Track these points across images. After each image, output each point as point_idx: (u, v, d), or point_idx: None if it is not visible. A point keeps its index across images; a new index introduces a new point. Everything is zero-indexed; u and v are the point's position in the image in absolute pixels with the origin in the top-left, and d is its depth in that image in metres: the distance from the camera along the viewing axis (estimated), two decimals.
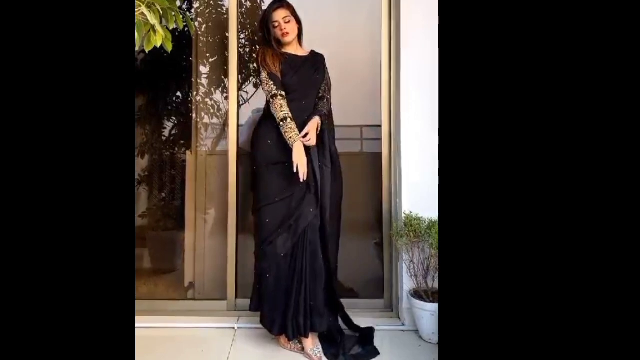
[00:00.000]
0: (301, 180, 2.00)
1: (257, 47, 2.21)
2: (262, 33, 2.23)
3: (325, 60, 2.29)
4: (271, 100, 2.09)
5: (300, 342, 2.13)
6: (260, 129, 2.20)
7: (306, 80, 2.17)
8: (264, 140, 2.15)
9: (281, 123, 2.05)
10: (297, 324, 2.04)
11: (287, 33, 2.16)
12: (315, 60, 2.25)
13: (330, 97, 2.24)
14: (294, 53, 2.22)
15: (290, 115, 2.06)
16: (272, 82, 2.10)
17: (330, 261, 2.12)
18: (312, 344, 2.09)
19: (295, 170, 1.98)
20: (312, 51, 2.30)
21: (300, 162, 2.00)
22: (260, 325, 2.18)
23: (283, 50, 2.20)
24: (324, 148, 2.13)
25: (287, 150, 2.05)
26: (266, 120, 2.18)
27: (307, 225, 2.07)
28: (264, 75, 2.12)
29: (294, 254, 2.07)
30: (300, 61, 2.20)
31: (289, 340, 2.11)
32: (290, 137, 2.02)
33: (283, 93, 2.09)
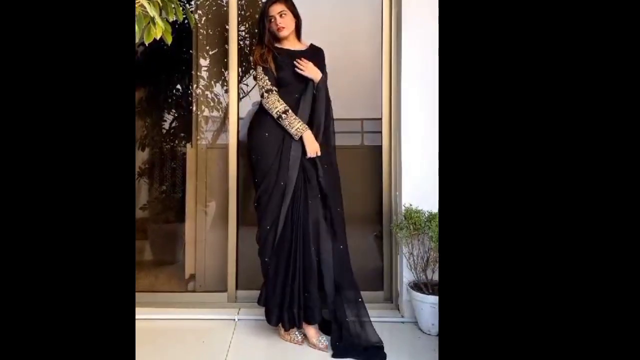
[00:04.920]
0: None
1: (255, 40, 2.21)
2: (258, 29, 2.23)
3: (325, 55, 2.28)
4: (265, 94, 2.12)
5: (302, 334, 2.15)
6: (256, 122, 2.21)
7: (302, 74, 2.15)
8: (261, 132, 2.16)
9: (283, 116, 2.08)
10: (292, 314, 2.07)
11: (283, 27, 2.16)
12: (315, 54, 2.24)
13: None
14: (291, 48, 2.21)
15: (288, 107, 2.10)
16: (266, 77, 2.13)
17: (321, 256, 2.09)
18: (315, 334, 2.12)
19: (313, 157, 2.10)
20: (311, 45, 2.29)
21: (314, 150, 2.09)
22: (261, 317, 2.20)
23: (279, 46, 2.20)
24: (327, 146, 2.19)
25: (284, 141, 2.10)
26: (262, 112, 2.17)
27: (302, 218, 2.09)
28: (259, 69, 2.15)
29: (290, 247, 2.09)
30: (297, 55, 2.19)
31: (285, 330, 2.14)
32: (297, 129, 2.07)
33: (276, 89, 2.13)
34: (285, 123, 2.08)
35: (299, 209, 2.09)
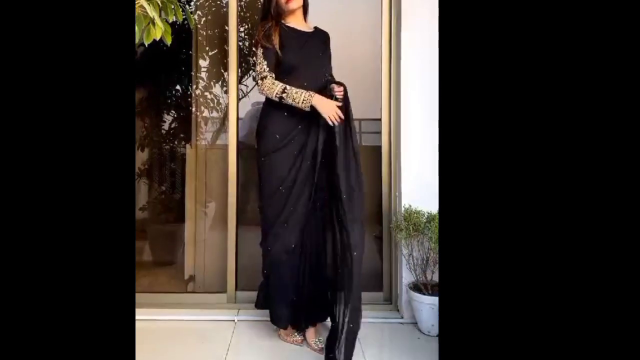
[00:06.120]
0: (336, 123, 1.84)
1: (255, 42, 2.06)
2: (262, 3, 2.07)
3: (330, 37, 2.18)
4: (260, 82, 1.95)
5: (302, 335, 2.14)
6: (264, 121, 2.06)
7: (310, 59, 2.03)
8: (271, 132, 2.01)
9: (283, 96, 1.89)
10: (302, 316, 2.07)
11: None
12: (322, 38, 2.13)
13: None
14: (297, 27, 2.05)
15: (285, 85, 1.91)
16: (265, 62, 1.95)
17: (329, 254, 2.08)
18: (314, 335, 2.11)
19: (331, 124, 1.86)
20: (316, 27, 2.15)
21: (331, 112, 1.84)
22: (260, 318, 2.20)
23: (285, 23, 2.03)
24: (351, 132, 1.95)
25: (298, 157, 1.99)
26: (269, 110, 2.04)
27: (308, 219, 2.05)
28: (259, 52, 1.98)
29: (299, 249, 2.04)
30: (305, 37, 2.05)
31: (300, 330, 2.13)
32: (304, 99, 1.86)
33: (273, 75, 1.95)
34: (289, 102, 1.89)
35: (301, 211, 2.02)
